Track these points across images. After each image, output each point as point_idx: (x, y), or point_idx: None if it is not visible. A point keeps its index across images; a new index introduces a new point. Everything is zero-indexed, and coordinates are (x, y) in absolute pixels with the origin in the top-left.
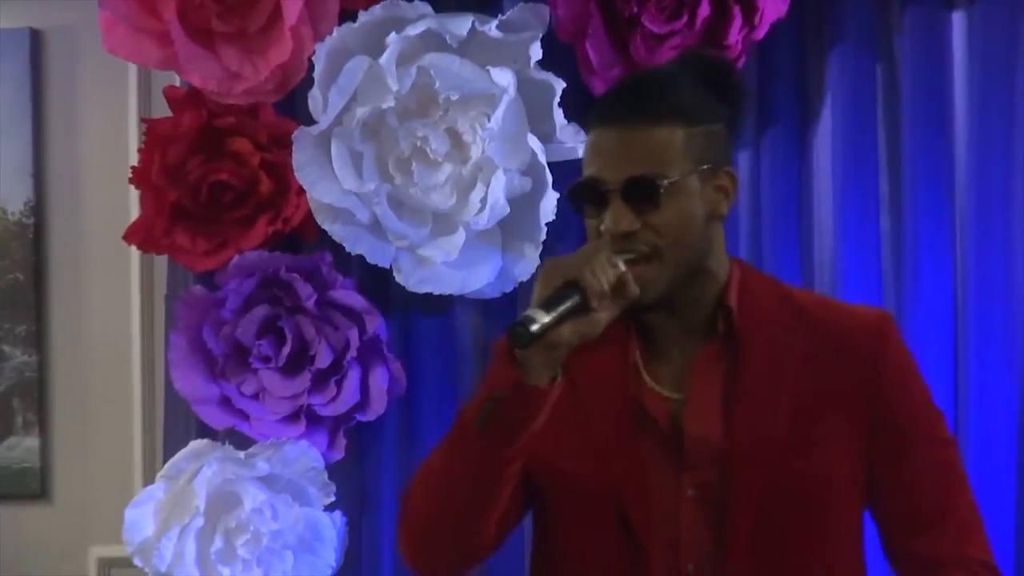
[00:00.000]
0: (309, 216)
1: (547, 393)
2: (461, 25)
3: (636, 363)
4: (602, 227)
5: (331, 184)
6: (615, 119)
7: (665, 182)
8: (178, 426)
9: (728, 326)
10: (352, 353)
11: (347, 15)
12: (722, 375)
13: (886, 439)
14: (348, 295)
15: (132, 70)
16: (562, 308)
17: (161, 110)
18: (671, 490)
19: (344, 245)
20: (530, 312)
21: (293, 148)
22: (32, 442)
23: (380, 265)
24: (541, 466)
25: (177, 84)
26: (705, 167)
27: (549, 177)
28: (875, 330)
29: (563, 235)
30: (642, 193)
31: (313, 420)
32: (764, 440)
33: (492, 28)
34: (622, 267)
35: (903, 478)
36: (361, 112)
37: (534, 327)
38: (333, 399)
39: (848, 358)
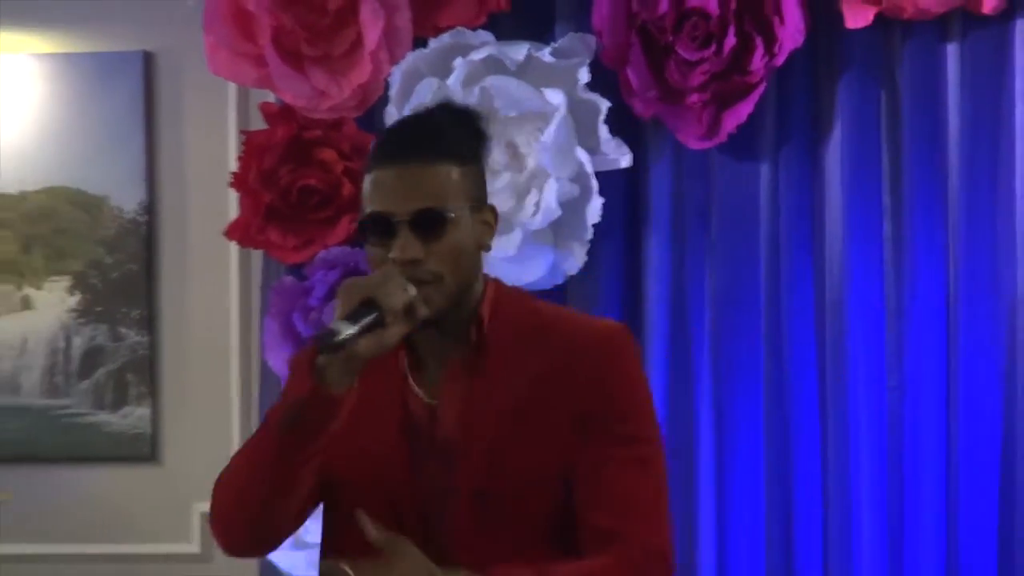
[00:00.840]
0: None
1: (343, 399)
2: (518, 51)
3: (404, 372)
4: (391, 255)
5: None
6: (399, 159)
7: (450, 215)
8: (270, 398)
9: (478, 338)
10: None
11: (419, 42)
12: (469, 380)
13: (589, 427)
14: None
15: (232, 88)
16: (364, 322)
17: (257, 123)
18: (429, 473)
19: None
20: (334, 325)
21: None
22: (143, 411)
23: None
24: (326, 466)
25: (271, 101)
26: (474, 203)
27: (595, 184)
28: (602, 342)
29: (608, 233)
30: (429, 224)
31: None
32: (484, 439)
33: (546, 54)
34: (412, 291)
35: (596, 462)
36: None
37: (339, 337)
38: None
39: (573, 368)
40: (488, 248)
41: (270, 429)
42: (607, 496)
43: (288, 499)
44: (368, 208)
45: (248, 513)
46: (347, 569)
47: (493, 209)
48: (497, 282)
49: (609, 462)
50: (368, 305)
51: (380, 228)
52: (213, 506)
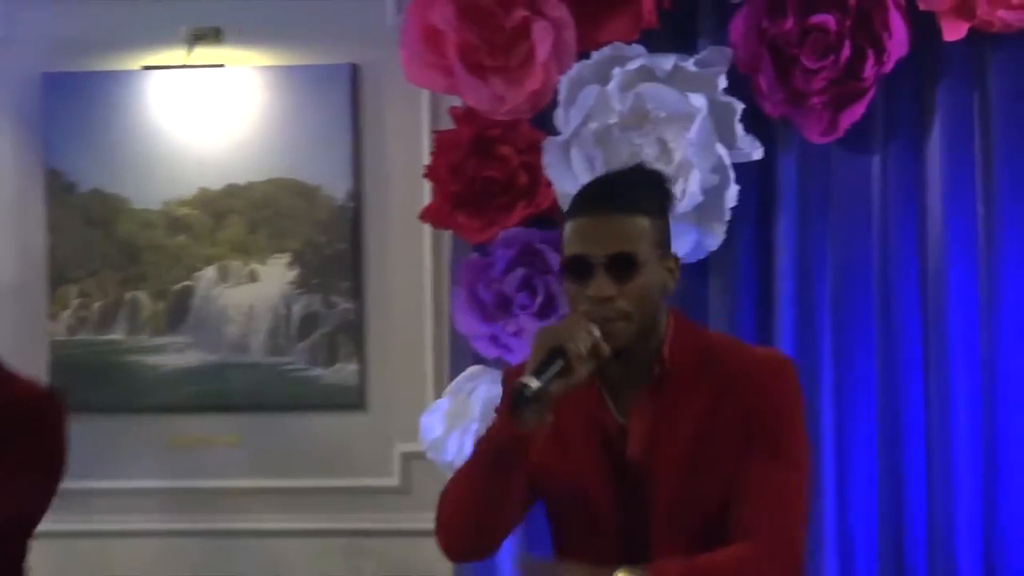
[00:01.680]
0: (555, 202)
1: (536, 436)
2: (666, 62)
3: (601, 396)
4: (588, 292)
5: (571, 178)
6: (599, 209)
7: (641, 259)
8: (459, 356)
9: (661, 371)
10: None
11: (583, 54)
12: (655, 407)
13: (748, 435)
14: None
15: (425, 95)
16: (549, 373)
17: (446, 124)
18: (620, 491)
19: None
20: (526, 379)
21: (543, 152)
22: (352, 367)
23: None
24: (534, 479)
25: (458, 105)
26: (660, 251)
27: (732, 174)
28: (771, 372)
29: (743, 216)
30: (622, 266)
31: None
32: (671, 460)
33: (690, 64)
34: (596, 333)
35: (750, 467)
36: (593, 126)
37: (528, 393)
38: None
39: (745, 396)
40: (671, 292)
41: (477, 462)
42: (753, 494)
43: (498, 516)
44: (568, 251)
45: (466, 530)
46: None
47: (676, 258)
48: (677, 316)
49: (760, 467)
50: (556, 352)
51: (579, 268)
52: (439, 522)
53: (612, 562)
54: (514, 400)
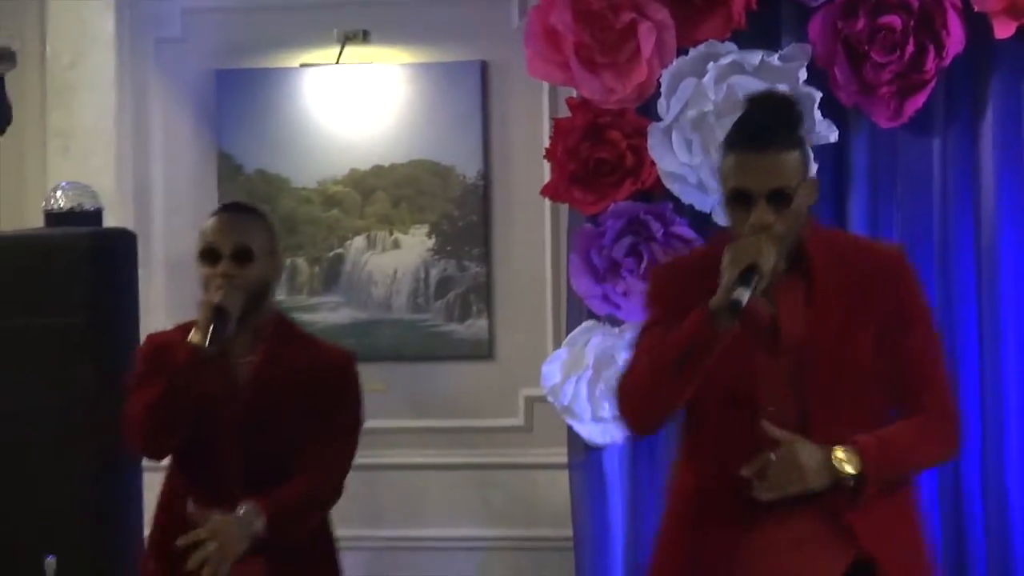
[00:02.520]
0: (658, 179)
1: (728, 336)
2: (754, 57)
3: None
4: (750, 221)
5: (672, 158)
6: (758, 149)
7: (793, 190)
8: (575, 313)
9: (805, 263)
10: None
11: (681, 51)
12: (801, 293)
13: (895, 322)
14: (683, 229)
15: (545, 87)
16: (753, 286)
17: (563, 112)
18: (774, 369)
19: (680, 198)
20: (739, 297)
21: (648, 136)
22: (482, 323)
23: (703, 210)
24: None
25: (574, 96)
26: (805, 176)
27: (811, 154)
28: (895, 258)
29: (820, 192)
30: (780, 199)
31: None
32: (828, 334)
33: (775, 59)
34: (774, 251)
35: (903, 349)
36: (691, 113)
37: (742, 304)
38: None
39: (875, 279)
40: (814, 202)
41: (671, 356)
42: (914, 367)
43: (679, 400)
44: (732, 183)
45: (651, 409)
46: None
47: (815, 179)
48: (810, 218)
49: (913, 343)
50: (751, 269)
51: (742, 200)
52: (625, 402)
53: (763, 444)
54: (731, 309)
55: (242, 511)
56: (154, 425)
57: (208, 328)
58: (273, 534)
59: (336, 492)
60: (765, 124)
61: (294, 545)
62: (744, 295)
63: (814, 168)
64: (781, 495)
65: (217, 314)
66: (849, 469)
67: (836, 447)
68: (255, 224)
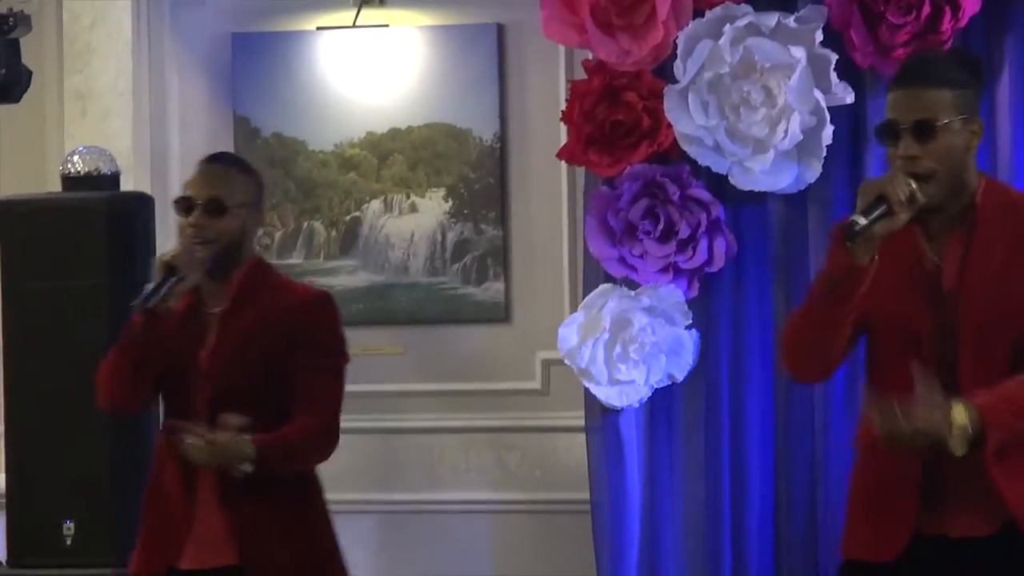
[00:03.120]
0: (674, 141)
1: (868, 269)
2: (771, 19)
3: (918, 241)
4: (898, 152)
5: (688, 121)
6: (907, 84)
7: (938, 124)
8: (592, 275)
9: (973, 217)
10: (702, 228)
11: (697, 13)
12: (967, 245)
13: None
14: (699, 192)
15: (561, 49)
16: (874, 214)
17: (579, 75)
18: (939, 322)
19: (697, 160)
20: (855, 217)
21: (664, 98)
22: (499, 285)
23: (719, 172)
24: (863, 315)
25: (590, 58)
26: (963, 116)
27: (827, 116)
28: None
29: (837, 152)
30: (924, 130)
31: (677, 272)
32: (979, 289)
33: (791, 21)
34: (912, 184)
35: None
36: (707, 75)
37: (856, 228)
38: (691, 258)
39: None
40: (973, 150)
41: (816, 295)
42: None
43: (836, 340)
44: (884, 118)
45: (807, 353)
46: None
47: (981, 123)
48: (984, 175)
49: None
50: (880, 199)
51: (889, 132)
52: (785, 348)
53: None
54: (845, 234)
55: (244, 438)
56: (112, 381)
57: (156, 283)
58: (258, 468)
59: (331, 432)
60: (913, 61)
61: (263, 504)
62: (861, 220)
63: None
64: (891, 446)
65: (168, 271)
66: (961, 433)
67: (957, 408)
68: (235, 177)
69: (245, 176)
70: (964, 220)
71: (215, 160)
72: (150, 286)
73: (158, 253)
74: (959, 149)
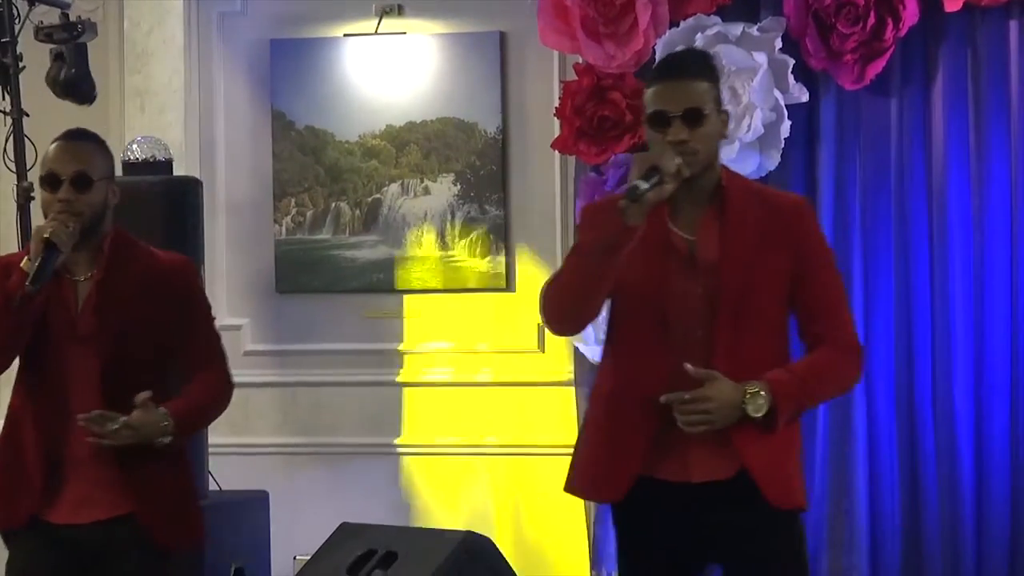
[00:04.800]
0: None
1: (636, 231)
2: (736, 29)
3: (665, 219)
4: (668, 138)
5: None
6: (676, 76)
7: (706, 112)
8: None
9: (721, 196)
10: None
11: (673, 23)
12: (717, 225)
13: (804, 266)
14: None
15: (555, 54)
16: (652, 180)
17: (570, 76)
18: (686, 290)
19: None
20: (636, 182)
21: (644, 97)
22: (501, 258)
23: None
24: (618, 280)
25: (580, 62)
26: (717, 107)
27: (785, 112)
28: (802, 206)
29: (794, 144)
30: (693, 117)
31: None
32: (739, 258)
33: (754, 30)
34: (679, 160)
35: (812, 288)
36: None
37: (639, 191)
38: None
39: (783, 220)
40: (724, 136)
41: (584, 252)
42: (823, 304)
43: (595, 299)
44: (651, 108)
45: (569, 308)
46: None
47: (727, 113)
48: (725, 167)
49: (821, 281)
50: (653, 170)
51: (660, 120)
52: (547, 303)
53: (672, 355)
54: (630, 195)
55: (160, 409)
56: None
57: (36, 260)
58: (177, 436)
59: (229, 383)
60: (676, 59)
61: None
62: (643, 185)
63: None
64: (692, 431)
65: (47, 247)
66: (758, 411)
67: (748, 385)
68: (94, 150)
69: (103, 150)
70: (712, 200)
71: (75, 136)
72: (35, 265)
73: (34, 228)
74: (716, 134)
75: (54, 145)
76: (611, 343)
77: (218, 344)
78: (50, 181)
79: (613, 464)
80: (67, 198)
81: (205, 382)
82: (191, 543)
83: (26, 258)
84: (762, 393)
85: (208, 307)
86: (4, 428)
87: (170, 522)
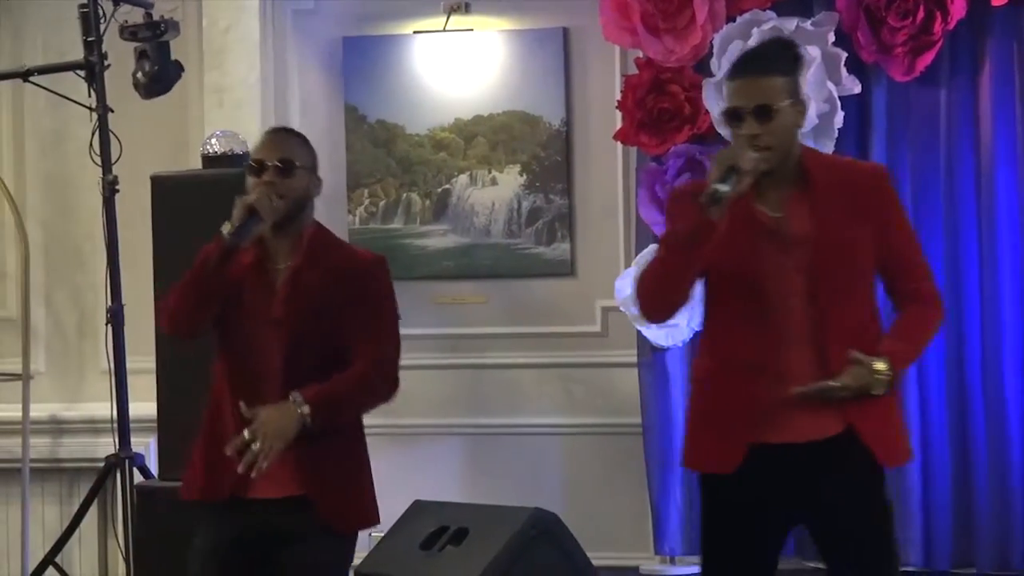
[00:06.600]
0: (711, 125)
1: (718, 225)
2: (791, 23)
3: (750, 201)
4: (741, 132)
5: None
6: (748, 73)
7: (775, 107)
8: (643, 236)
9: (804, 175)
10: None
11: (730, 18)
12: (805, 201)
13: (888, 229)
14: None
15: (617, 49)
16: (732, 180)
17: (632, 70)
18: (779, 265)
19: (729, 140)
20: (717, 186)
21: (703, 89)
22: (565, 246)
23: None
24: (708, 262)
25: (640, 56)
26: (793, 99)
27: (839, 104)
28: (880, 174)
29: (846, 134)
30: (764, 113)
31: None
32: (832, 231)
33: (808, 24)
34: (755, 155)
35: (897, 248)
36: None
37: (720, 195)
38: None
39: (865, 189)
40: (801, 127)
41: (671, 246)
42: (907, 264)
43: (683, 286)
44: (727, 104)
45: (660, 296)
46: None
47: (804, 102)
48: (804, 145)
49: (901, 242)
50: (731, 170)
51: (735, 116)
52: (637, 296)
53: (771, 328)
54: (711, 199)
55: (291, 399)
56: (178, 307)
57: (238, 222)
58: (317, 421)
59: (389, 381)
60: (751, 55)
61: (322, 439)
62: (723, 188)
63: (812, 101)
64: (846, 395)
65: (248, 212)
66: (882, 390)
67: (875, 363)
68: (297, 143)
69: (305, 144)
70: (796, 179)
71: (279, 130)
72: (235, 226)
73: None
74: (790, 126)
75: (262, 138)
76: (709, 323)
77: (389, 342)
78: (256, 167)
79: (726, 436)
80: (271, 181)
81: (356, 372)
82: (363, 522)
83: (227, 222)
84: (888, 371)
85: (392, 307)
86: (208, 404)
87: (343, 502)
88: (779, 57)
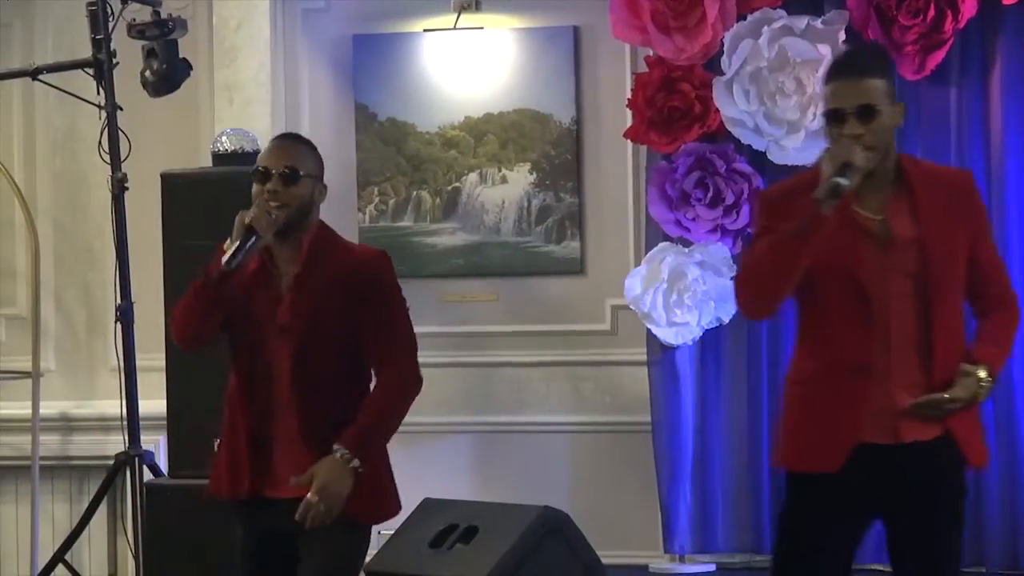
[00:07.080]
0: (721, 123)
1: (828, 219)
2: (802, 21)
3: (848, 204)
4: (844, 132)
5: (733, 107)
6: (850, 75)
7: (877, 107)
8: (653, 235)
9: (906, 178)
10: (745, 196)
11: (741, 17)
12: (906, 204)
13: (978, 234)
14: (742, 165)
15: (627, 47)
16: (848, 176)
17: (642, 68)
18: (882, 267)
19: (740, 139)
20: (838, 180)
21: (713, 88)
22: (575, 243)
23: (759, 149)
24: (812, 262)
25: (651, 54)
26: (891, 100)
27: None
28: (969, 179)
29: None
30: (866, 114)
31: (724, 232)
32: (936, 233)
33: (818, 23)
34: (864, 153)
35: (984, 254)
36: (748, 69)
37: (841, 188)
38: (735, 220)
39: (959, 194)
40: (900, 124)
41: (781, 239)
42: (995, 271)
43: (790, 281)
44: (829, 105)
45: (767, 291)
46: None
47: (902, 104)
48: (899, 152)
49: (989, 251)
50: (846, 166)
51: (837, 117)
52: (741, 291)
53: (875, 329)
54: (833, 192)
55: (338, 455)
56: (184, 320)
57: (238, 239)
58: (367, 462)
59: (414, 379)
60: (850, 58)
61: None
62: (843, 181)
63: None
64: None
65: (247, 229)
66: (987, 395)
67: (979, 372)
68: (303, 151)
69: (312, 152)
70: (895, 183)
71: (286, 137)
72: (234, 246)
73: (237, 215)
74: (890, 128)
75: (269, 144)
76: (809, 326)
77: (404, 337)
78: (261, 174)
79: (831, 436)
80: (275, 189)
81: (382, 388)
82: (385, 513)
83: (228, 239)
84: (990, 379)
85: (399, 300)
86: (226, 410)
87: (364, 493)
88: (876, 60)
